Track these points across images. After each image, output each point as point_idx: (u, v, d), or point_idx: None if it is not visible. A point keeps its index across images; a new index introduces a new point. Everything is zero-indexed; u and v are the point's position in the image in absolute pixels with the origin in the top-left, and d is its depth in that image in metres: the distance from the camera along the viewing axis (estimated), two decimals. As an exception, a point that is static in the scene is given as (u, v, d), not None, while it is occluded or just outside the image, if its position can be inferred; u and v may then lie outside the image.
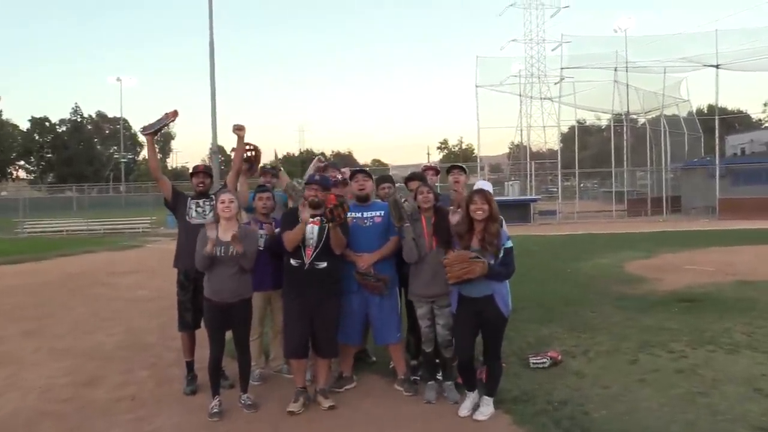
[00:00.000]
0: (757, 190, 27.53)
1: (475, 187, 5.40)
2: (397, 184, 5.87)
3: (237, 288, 4.60)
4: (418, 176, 5.46)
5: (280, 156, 6.88)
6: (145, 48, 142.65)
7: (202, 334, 5.35)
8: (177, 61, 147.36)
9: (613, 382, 5.13)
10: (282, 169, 6.07)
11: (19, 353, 6.77)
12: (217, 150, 27.74)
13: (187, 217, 5.33)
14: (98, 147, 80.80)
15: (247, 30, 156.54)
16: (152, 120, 5.45)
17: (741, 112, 51.12)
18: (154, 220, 28.25)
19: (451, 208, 5.03)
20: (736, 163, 31.03)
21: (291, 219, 4.84)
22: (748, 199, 26.77)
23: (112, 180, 66.77)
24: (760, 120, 54.65)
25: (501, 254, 4.35)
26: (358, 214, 5.04)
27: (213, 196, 5.24)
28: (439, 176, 6.20)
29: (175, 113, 5.42)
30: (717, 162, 29.04)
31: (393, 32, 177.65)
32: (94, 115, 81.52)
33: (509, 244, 4.42)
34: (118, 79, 68.59)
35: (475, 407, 4.56)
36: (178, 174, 75.57)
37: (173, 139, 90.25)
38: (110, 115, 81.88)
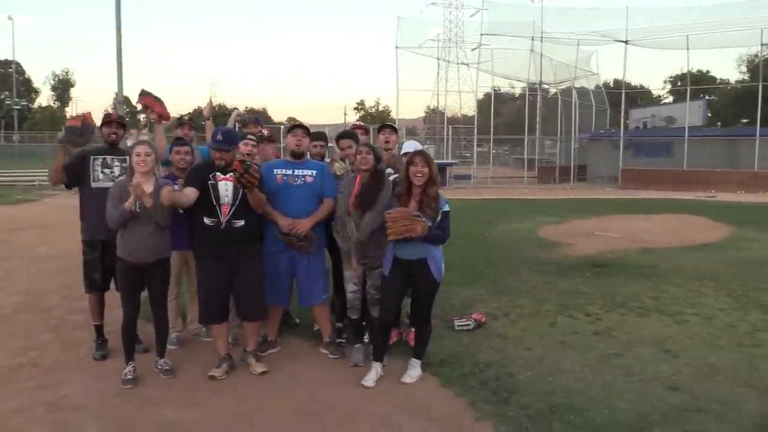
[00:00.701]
0: (656, 162, 29.25)
1: (403, 149, 5.30)
2: (330, 144, 5.67)
3: (154, 247, 4.27)
4: (350, 134, 5.25)
5: (190, 110, 6.47)
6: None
7: (110, 295, 5.02)
8: (77, 1, 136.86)
9: (536, 344, 5.25)
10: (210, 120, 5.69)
11: None
12: (122, 100, 26.18)
13: (92, 182, 4.80)
14: (-13, 92, 74.29)
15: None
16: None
17: (644, 87, 53.78)
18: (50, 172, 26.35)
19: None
20: (639, 136, 32.69)
21: (197, 175, 4.46)
22: (648, 171, 28.39)
23: (4, 128, 61.74)
24: (659, 96, 57.74)
25: (439, 218, 4.26)
26: (289, 171, 4.80)
27: (125, 152, 4.83)
28: (368, 135, 6.04)
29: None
30: (621, 134, 30.47)
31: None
32: (-19, 57, 74.64)
33: (446, 207, 4.35)
34: (10, 18, 62.94)
35: (380, 377, 4.49)
36: (78, 125, 71.00)
37: (73, 86, 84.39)
38: (0, 57, 75.30)
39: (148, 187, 4.17)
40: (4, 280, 7.77)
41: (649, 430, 3.68)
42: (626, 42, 29.63)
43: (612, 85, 45.35)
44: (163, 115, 5.32)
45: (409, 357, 4.66)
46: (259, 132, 5.64)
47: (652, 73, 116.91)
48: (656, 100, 54.05)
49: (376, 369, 4.48)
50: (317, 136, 5.33)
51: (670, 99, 54.48)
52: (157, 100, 5.30)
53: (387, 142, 5.28)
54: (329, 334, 5.12)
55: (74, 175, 4.84)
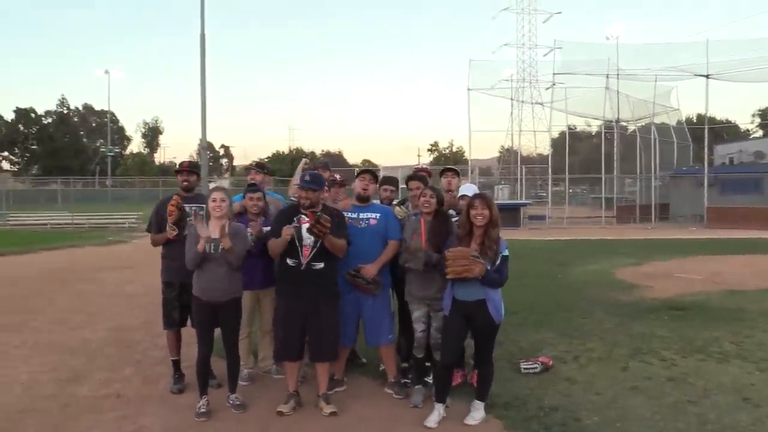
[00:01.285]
0: (745, 199, 27.76)
1: (460, 192, 5.40)
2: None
3: (227, 287, 4.53)
4: (419, 177, 5.42)
5: (269, 154, 6.90)
6: (134, 40, 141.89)
7: (187, 332, 5.30)
8: (166, 54, 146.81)
9: (605, 388, 5.11)
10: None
11: (1, 348, 6.64)
12: (206, 146, 27.61)
13: (168, 227, 5.11)
14: (84, 140, 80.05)
15: (240, 25, 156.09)
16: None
17: (730, 122, 51.63)
18: (140, 216, 27.97)
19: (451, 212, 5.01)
20: (725, 173, 31.28)
21: (283, 219, 4.72)
22: (736, 208, 26.99)
23: (98, 174, 66.19)
24: (748, 130, 55.25)
25: (498, 261, 4.31)
26: (354, 215, 4.99)
27: (202, 198, 5.15)
28: (431, 178, 6.18)
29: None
30: (706, 171, 29.25)
31: (386, 33, 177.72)
32: (80, 108, 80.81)
33: (506, 252, 4.39)
34: (106, 72, 68.58)
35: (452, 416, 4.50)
36: (165, 170, 75.17)
37: (161, 134, 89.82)
38: (97, 107, 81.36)
39: (224, 230, 4.45)
40: (94, 316, 8.30)
41: (723, 482, 3.52)
42: (707, 76, 28.67)
43: (695, 121, 43.86)
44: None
45: (472, 399, 4.65)
46: (331, 177, 5.88)
47: (740, 106, 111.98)
48: (744, 135, 51.74)
49: (438, 410, 4.50)
50: (387, 180, 5.52)
51: (760, 133, 52.03)
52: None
53: (449, 184, 5.40)
54: (394, 374, 5.19)
55: (160, 225, 5.22)
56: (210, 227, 4.51)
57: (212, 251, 4.45)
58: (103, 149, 72.65)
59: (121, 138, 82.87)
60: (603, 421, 4.43)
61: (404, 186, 5.92)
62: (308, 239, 4.59)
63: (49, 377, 5.61)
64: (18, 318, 8.11)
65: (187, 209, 5.16)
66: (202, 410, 4.56)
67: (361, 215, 5.01)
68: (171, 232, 4.97)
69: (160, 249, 5.36)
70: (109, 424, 4.50)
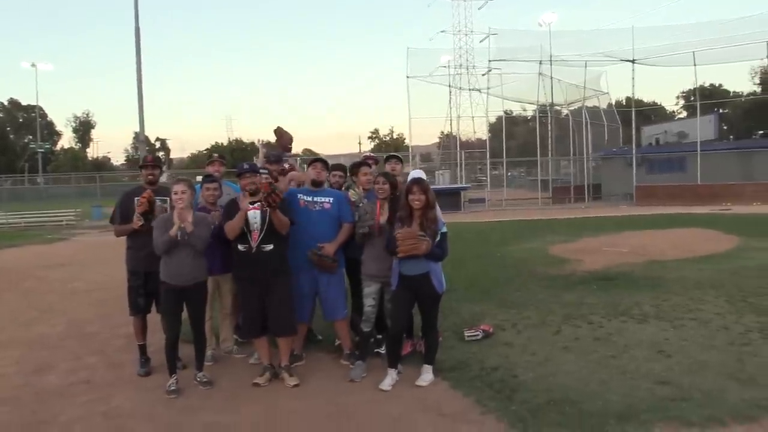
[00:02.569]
0: (670, 177, 29.44)
1: (410, 177, 5.87)
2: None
3: (193, 271, 4.85)
4: (364, 164, 5.87)
5: (208, 146, 7.24)
6: (62, 32, 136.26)
7: (150, 319, 5.60)
8: (96, 46, 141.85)
9: (539, 350, 5.69)
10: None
11: (-43, 346, 6.70)
12: (144, 139, 27.20)
13: (135, 216, 5.33)
14: (11, 136, 76.61)
15: (172, 14, 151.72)
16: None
17: (656, 104, 54.11)
18: (78, 212, 27.35)
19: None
20: (651, 152, 32.97)
21: (232, 208, 5.10)
22: (662, 186, 28.63)
23: (28, 171, 63.60)
24: (672, 112, 58.05)
25: (438, 238, 4.80)
26: (309, 198, 5.40)
27: (166, 191, 5.40)
28: (377, 165, 6.61)
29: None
30: (634, 151, 30.79)
31: (323, 22, 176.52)
32: (6, 103, 77.23)
33: (444, 229, 4.92)
34: (33, 65, 65.69)
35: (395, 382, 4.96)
36: (99, 165, 72.91)
37: (93, 128, 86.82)
38: (24, 102, 77.85)
39: (189, 217, 4.79)
40: (47, 313, 8.38)
41: (636, 417, 4.10)
42: (633, 61, 30.12)
43: (624, 103, 45.81)
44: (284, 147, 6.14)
45: (422, 364, 5.13)
46: (281, 168, 6.23)
47: (666, 89, 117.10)
48: (670, 117, 54.35)
49: (391, 375, 4.97)
50: (336, 166, 5.96)
51: (684, 114, 54.73)
52: (288, 134, 6.08)
53: (393, 170, 5.87)
54: (349, 346, 5.63)
55: (125, 217, 5.47)
56: (174, 218, 4.81)
57: (179, 237, 4.75)
58: (33, 145, 69.76)
59: (51, 133, 79.67)
60: (537, 376, 4.99)
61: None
62: (255, 224, 4.95)
63: (15, 370, 5.78)
64: (-32, 317, 8.10)
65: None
66: (172, 388, 4.89)
67: (315, 198, 5.42)
68: (137, 222, 5.21)
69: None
70: (84, 407, 4.77)
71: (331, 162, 5.94)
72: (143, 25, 20.82)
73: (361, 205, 5.45)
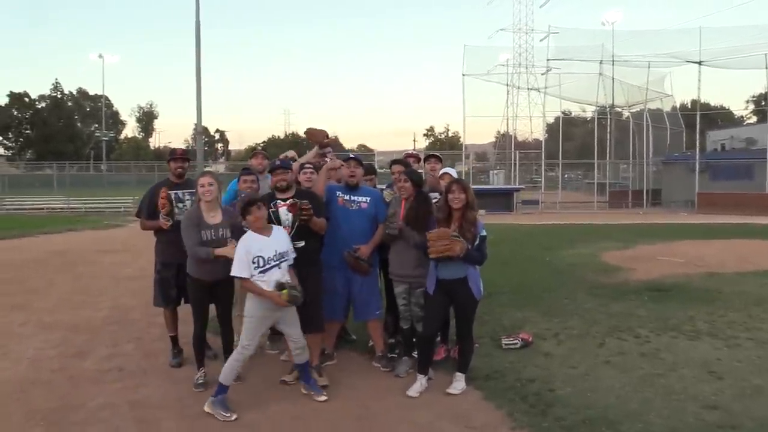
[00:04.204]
0: (735, 185, 28.12)
1: (441, 171, 5.72)
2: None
3: (223, 266, 4.79)
4: (401, 162, 5.71)
5: (265, 138, 7.18)
6: (128, 25, 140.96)
7: (182, 310, 5.60)
8: (161, 38, 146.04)
9: (580, 362, 5.42)
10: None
11: (6, 326, 6.93)
12: (201, 131, 27.74)
13: (161, 217, 5.33)
14: (79, 124, 79.77)
15: (234, 8, 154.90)
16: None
17: (723, 108, 51.85)
18: (136, 200, 28.11)
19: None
20: (716, 159, 31.61)
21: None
22: (726, 194, 27.34)
23: (93, 158, 66.07)
24: (741, 117, 55.49)
25: (476, 241, 4.61)
26: (347, 197, 5.30)
27: (192, 186, 5.35)
28: (420, 163, 6.47)
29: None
30: (697, 156, 29.55)
31: (382, 18, 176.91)
32: (74, 92, 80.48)
33: (484, 232, 4.70)
34: (100, 56, 68.16)
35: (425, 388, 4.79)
36: (160, 154, 75.08)
37: (156, 118, 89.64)
38: (92, 92, 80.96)
39: (217, 217, 4.78)
40: (96, 297, 8.59)
41: (679, 443, 3.83)
42: (700, 63, 28.88)
43: (689, 107, 44.07)
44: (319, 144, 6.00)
45: (454, 371, 4.96)
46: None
47: (735, 93, 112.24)
48: (738, 122, 51.96)
49: (420, 381, 4.81)
50: (368, 170, 5.84)
51: (754, 120, 52.26)
52: (319, 131, 6.02)
53: (432, 170, 5.73)
54: (381, 348, 5.49)
55: (151, 211, 5.47)
56: (205, 215, 4.79)
57: (211, 238, 4.72)
58: (98, 134, 72.51)
59: (116, 122, 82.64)
60: (575, 391, 4.74)
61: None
62: (287, 221, 4.87)
63: (55, 353, 5.91)
64: (21, 299, 8.39)
65: (180, 196, 5.43)
66: (200, 381, 4.87)
67: (353, 197, 5.31)
68: (165, 222, 5.23)
69: (153, 232, 5.60)
70: (113, 394, 4.81)
71: (385, 159, 5.83)
72: (205, 18, 21.20)
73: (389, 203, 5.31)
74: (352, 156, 5.62)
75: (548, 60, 31.44)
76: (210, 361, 5.23)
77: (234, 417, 4.32)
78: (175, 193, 5.45)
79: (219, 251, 4.64)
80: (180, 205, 5.40)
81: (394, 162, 5.75)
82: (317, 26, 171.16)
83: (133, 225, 20.52)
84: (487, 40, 54.78)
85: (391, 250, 5.15)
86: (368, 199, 5.34)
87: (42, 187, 36.65)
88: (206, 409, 4.40)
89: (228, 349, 5.06)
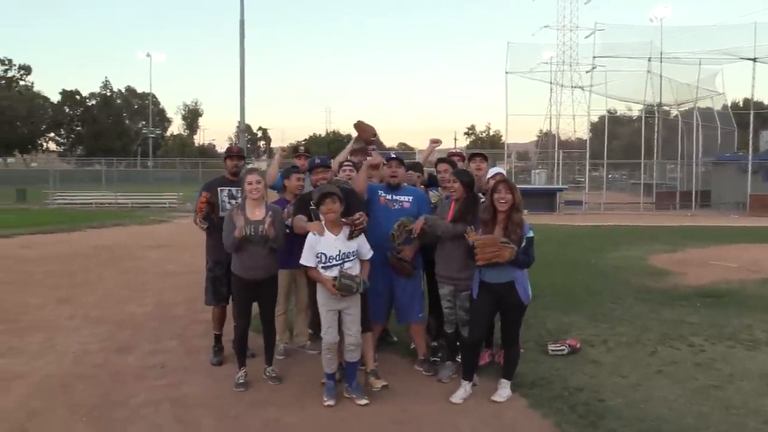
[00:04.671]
0: (790, 187, 27.01)
1: (489, 175, 5.49)
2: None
3: (266, 265, 4.76)
4: (447, 160, 5.58)
5: (306, 136, 7.16)
6: (175, 24, 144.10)
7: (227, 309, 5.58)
8: (206, 38, 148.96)
9: (631, 372, 5.20)
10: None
11: (54, 320, 7.06)
12: (244, 128, 28.08)
13: (220, 211, 5.39)
14: (127, 122, 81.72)
15: (277, 7, 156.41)
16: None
17: (778, 106, 49.88)
18: (181, 196, 28.71)
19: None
20: (770, 159, 30.37)
21: (302, 205, 5.02)
22: (780, 196, 26.30)
23: (140, 155, 67.66)
24: (797, 116, 53.28)
25: (523, 243, 4.43)
26: (389, 196, 5.20)
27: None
28: (464, 162, 6.31)
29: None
30: (750, 157, 28.48)
31: (423, 15, 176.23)
32: (123, 90, 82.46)
33: (531, 234, 4.51)
34: (148, 55, 70.04)
35: (468, 395, 4.67)
36: (204, 151, 76.46)
37: (201, 116, 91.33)
38: (139, 90, 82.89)
39: (261, 213, 4.71)
40: (140, 292, 8.70)
41: (741, 462, 3.61)
42: (754, 60, 27.80)
43: (741, 105, 42.57)
44: (366, 140, 5.98)
45: (499, 377, 4.81)
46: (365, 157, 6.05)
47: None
48: (793, 121, 49.92)
49: (464, 387, 4.67)
50: (412, 166, 5.70)
51: (810, 119, 50.13)
52: (369, 127, 5.97)
53: (479, 169, 5.53)
54: (423, 352, 5.37)
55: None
56: (248, 209, 4.74)
57: (251, 233, 4.67)
58: (145, 131, 74.29)
59: (162, 120, 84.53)
60: (626, 402, 4.53)
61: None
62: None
63: (99, 347, 5.98)
64: (68, 292, 8.56)
65: (233, 193, 5.45)
66: (241, 381, 4.84)
67: (395, 197, 5.20)
68: (202, 226, 5.26)
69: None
70: (155, 391, 4.82)
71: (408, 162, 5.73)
72: (248, 17, 21.43)
73: (439, 206, 5.15)
74: (393, 156, 5.51)
75: (594, 57, 30.72)
76: (249, 361, 5.17)
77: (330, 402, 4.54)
78: (229, 190, 5.48)
79: (239, 230, 4.63)
80: (233, 201, 5.41)
81: (440, 161, 5.62)
82: (358, 23, 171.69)
83: (178, 221, 20.97)
84: (531, 37, 54.06)
85: (437, 250, 4.99)
86: (410, 198, 5.22)
87: (91, 182, 37.60)
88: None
89: (270, 348, 5.03)
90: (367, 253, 4.64)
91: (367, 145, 5.89)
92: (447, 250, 4.86)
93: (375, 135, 5.98)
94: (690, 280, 9.35)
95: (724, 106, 36.62)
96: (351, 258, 4.53)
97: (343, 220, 4.58)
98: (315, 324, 5.43)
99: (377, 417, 4.37)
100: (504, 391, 4.67)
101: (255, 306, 5.02)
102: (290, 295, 5.82)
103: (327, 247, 4.51)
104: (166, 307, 7.73)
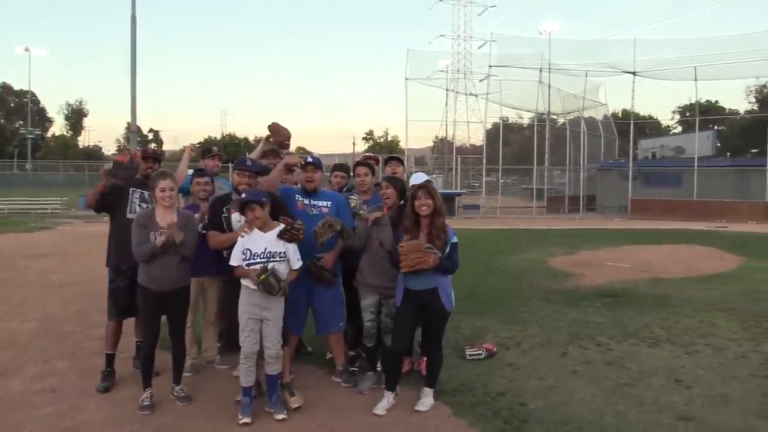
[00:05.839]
0: (666, 192, 29.29)
1: (411, 181, 5.39)
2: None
3: (178, 276, 4.38)
4: (366, 164, 5.41)
5: (201, 139, 6.77)
6: (57, 18, 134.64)
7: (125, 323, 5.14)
8: (91, 33, 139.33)
9: (547, 373, 5.28)
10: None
11: None
12: (136, 129, 26.62)
13: (128, 213, 4.93)
14: (2, 121, 75.39)
15: (170, 4, 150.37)
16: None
17: (653, 118, 54.03)
18: (64, 201, 26.75)
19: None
20: (648, 166, 32.77)
21: (218, 208, 4.75)
22: (657, 201, 28.46)
23: (17, 157, 62.52)
24: (668, 126, 57.90)
25: (447, 249, 4.36)
26: (306, 201, 4.93)
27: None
28: (378, 166, 6.20)
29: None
30: (630, 164, 30.57)
31: (322, 18, 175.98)
32: (-2, 87, 75.95)
33: (455, 239, 4.45)
34: (27, 50, 64.50)
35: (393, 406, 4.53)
36: (90, 154, 71.95)
37: (86, 116, 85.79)
38: (16, 87, 76.57)
39: (172, 218, 4.31)
40: (21, 306, 7.86)
41: (662, 460, 3.70)
42: (634, 73, 29.93)
43: (620, 116, 45.64)
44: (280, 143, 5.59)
45: (421, 386, 4.70)
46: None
47: (661, 103, 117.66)
48: (665, 131, 54.15)
49: (387, 398, 4.52)
50: (339, 167, 5.50)
51: (679, 129, 54.60)
52: (284, 130, 5.61)
53: (394, 173, 5.42)
54: (342, 362, 5.16)
55: (108, 204, 4.99)
56: (158, 217, 4.35)
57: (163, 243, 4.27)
58: (23, 131, 68.59)
59: (43, 120, 78.51)
60: (548, 405, 4.56)
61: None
62: (237, 228, 4.55)
63: (-25, 371, 5.29)
64: (-65, 309, 7.59)
65: (145, 197, 5.01)
66: (146, 403, 4.40)
67: (313, 202, 4.95)
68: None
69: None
70: (45, 420, 4.29)
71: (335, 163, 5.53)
72: (139, 14, 20.32)
73: (361, 212, 4.95)
74: (310, 159, 5.15)
75: (490, 66, 31.83)
76: (154, 380, 4.73)
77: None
78: (141, 193, 5.02)
79: (159, 240, 4.24)
80: (144, 204, 4.98)
81: (359, 164, 5.44)
82: (254, 24, 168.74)
83: (62, 227, 19.46)
84: (427, 45, 55.22)
85: (363, 258, 4.81)
86: (329, 203, 4.99)
87: (-42, 186, 34.27)
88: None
89: (179, 365, 4.63)
90: (297, 262, 4.40)
91: (280, 148, 5.60)
92: (377, 258, 4.69)
93: (289, 138, 5.71)
94: (589, 281, 9.77)
95: (606, 116, 39.10)
96: (277, 259, 4.29)
97: (282, 218, 4.34)
98: (228, 337, 5.09)
99: (299, 434, 4.12)
100: (427, 399, 4.57)
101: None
102: (197, 307, 5.42)
103: (253, 243, 4.27)
104: (54, 323, 7.00)
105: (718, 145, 43.24)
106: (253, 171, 4.68)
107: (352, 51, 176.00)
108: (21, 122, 72.43)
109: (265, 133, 5.86)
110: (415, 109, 34.53)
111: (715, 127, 47.51)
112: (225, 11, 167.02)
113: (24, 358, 5.70)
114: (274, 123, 5.67)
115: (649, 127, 51.71)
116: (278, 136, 5.58)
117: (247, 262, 4.26)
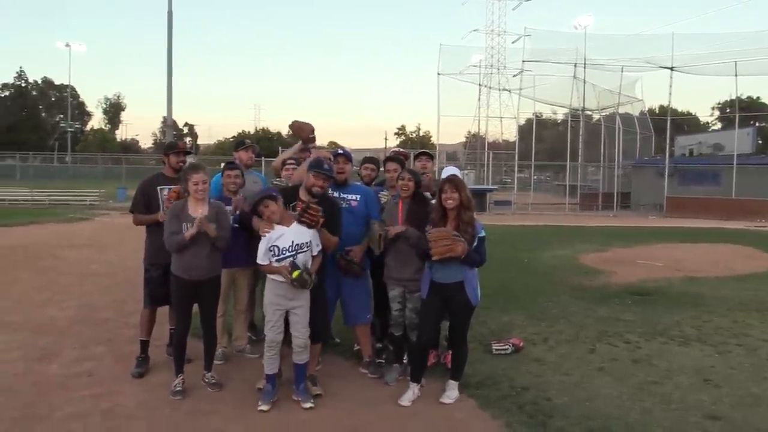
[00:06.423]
0: (703, 190, 28.60)
1: (443, 175, 5.41)
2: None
3: (209, 265, 4.50)
4: (396, 159, 5.45)
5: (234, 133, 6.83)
6: (98, 14, 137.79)
7: (158, 312, 5.29)
8: (130, 29, 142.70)
9: (573, 369, 5.27)
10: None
11: (-36, 325, 6.47)
12: (172, 124, 27.12)
13: (162, 211, 5.02)
14: (43, 114, 77.42)
15: (206, 1, 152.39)
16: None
17: (690, 114, 52.85)
18: (103, 193, 27.39)
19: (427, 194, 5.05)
20: (685, 164, 32.05)
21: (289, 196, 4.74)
22: (694, 199, 27.81)
23: (57, 149, 64.16)
24: (707, 123, 56.65)
25: (475, 243, 4.39)
26: (336, 194, 5.00)
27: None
28: (408, 161, 6.23)
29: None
30: (667, 161, 29.97)
31: (357, 14, 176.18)
32: (39, 81, 77.97)
33: (483, 233, 4.48)
34: (67, 45, 66.34)
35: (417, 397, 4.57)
36: (127, 147, 73.53)
37: (123, 110, 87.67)
38: (57, 81, 78.52)
39: (203, 212, 4.43)
40: (61, 294, 8.13)
41: (687, 457, 3.68)
42: (671, 69, 29.28)
43: (657, 112, 44.75)
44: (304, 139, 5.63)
45: (447, 379, 4.74)
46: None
47: (700, 99, 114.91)
48: (704, 127, 53.02)
49: (413, 389, 4.58)
50: (369, 160, 5.55)
51: (719, 126, 53.38)
52: (306, 125, 5.64)
53: (424, 167, 5.46)
54: (369, 354, 5.24)
55: (147, 205, 5.12)
56: (190, 208, 4.48)
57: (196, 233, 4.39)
58: (63, 125, 70.38)
59: (82, 114, 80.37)
60: (573, 400, 4.57)
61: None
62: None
63: (17, 356, 5.50)
64: (-20, 295, 7.90)
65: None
66: (178, 388, 4.55)
67: (342, 195, 5.02)
68: (163, 216, 4.84)
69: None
70: (83, 403, 4.45)
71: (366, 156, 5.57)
72: (176, 10, 20.66)
73: (382, 219, 4.97)
74: (340, 152, 5.28)
75: (524, 61, 31.53)
76: (186, 367, 4.87)
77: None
78: (169, 190, 5.11)
79: (189, 233, 4.36)
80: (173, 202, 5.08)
81: (389, 159, 5.49)
82: (289, 20, 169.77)
83: (100, 218, 19.99)
84: (460, 41, 54.91)
85: (389, 251, 4.87)
86: (358, 196, 5.06)
87: (3, 178, 35.36)
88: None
89: (210, 353, 4.76)
90: (315, 248, 4.46)
91: (306, 143, 5.65)
92: (401, 251, 4.75)
93: (313, 132, 5.74)
94: (620, 279, 9.67)
95: (642, 112, 38.34)
96: (304, 249, 4.37)
97: (297, 203, 4.44)
98: (256, 327, 5.22)
99: (327, 424, 4.21)
100: (452, 392, 4.61)
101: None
102: (229, 297, 5.55)
103: (280, 238, 4.34)
104: (91, 310, 7.24)
105: (759, 142, 42.20)
106: (329, 176, 4.69)
107: (386, 46, 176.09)
108: (61, 116, 74.35)
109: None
110: (447, 104, 34.36)
111: (756, 124, 46.16)
112: (261, 5, 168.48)
113: (63, 343, 5.91)
114: (295, 121, 5.69)
115: (686, 123, 50.70)
116: (301, 132, 5.62)
117: (277, 258, 4.33)
